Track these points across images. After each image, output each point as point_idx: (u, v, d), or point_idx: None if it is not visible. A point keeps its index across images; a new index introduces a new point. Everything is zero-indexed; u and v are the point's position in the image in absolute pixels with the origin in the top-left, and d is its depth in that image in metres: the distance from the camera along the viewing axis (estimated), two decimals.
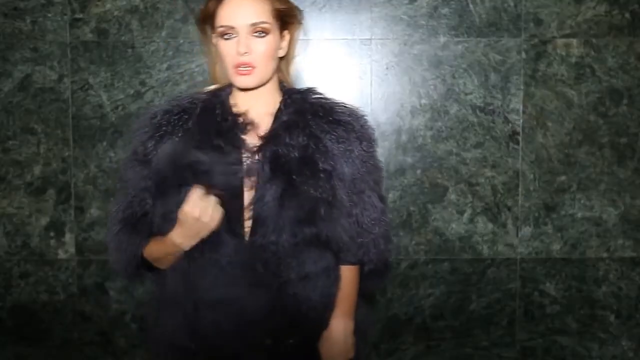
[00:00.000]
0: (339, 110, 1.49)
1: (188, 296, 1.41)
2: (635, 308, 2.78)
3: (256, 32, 1.39)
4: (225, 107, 1.45)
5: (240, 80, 1.41)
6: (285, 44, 1.48)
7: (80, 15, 2.64)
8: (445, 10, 2.66)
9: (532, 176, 2.72)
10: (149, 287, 2.70)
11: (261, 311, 1.40)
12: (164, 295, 1.48)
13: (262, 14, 1.39)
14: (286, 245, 1.39)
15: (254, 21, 1.38)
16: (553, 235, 2.74)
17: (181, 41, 2.65)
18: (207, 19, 1.45)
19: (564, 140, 2.71)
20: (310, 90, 1.53)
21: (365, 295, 1.65)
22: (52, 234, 2.71)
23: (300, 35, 1.53)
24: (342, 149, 1.45)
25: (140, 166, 1.46)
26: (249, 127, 1.44)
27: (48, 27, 2.65)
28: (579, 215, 2.74)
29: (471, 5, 2.66)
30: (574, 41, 2.67)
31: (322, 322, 1.49)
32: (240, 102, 1.47)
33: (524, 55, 2.67)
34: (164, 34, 2.65)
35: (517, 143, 2.70)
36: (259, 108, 1.47)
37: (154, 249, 1.43)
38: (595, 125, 2.71)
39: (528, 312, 2.76)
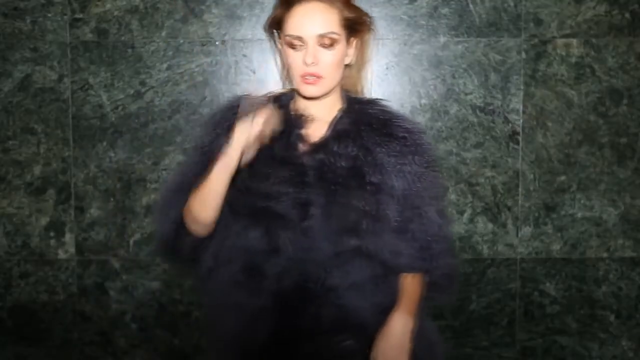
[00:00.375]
0: (395, 124, 1.47)
1: (232, 305, 1.43)
2: (635, 308, 2.79)
3: (324, 42, 1.38)
4: (286, 114, 1.44)
5: (306, 90, 1.41)
6: (352, 51, 1.46)
7: (80, 15, 2.65)
8: (445, 10, 2.66)
9: (532, 176, 2.73)
10: (149, 287, 2.72)
11: (309, 320, 1.40)
12: (211, 304, 1.49)
13: (331, 24, 1.38)
14: (328, 254, 1.39)
15: (322, 32, 1.37)
16: (553, 235, 2.75)
17: (181, 41, 2.66)
18: (274, 25, 1.44)
19: (564, 140, 2.72)
20: (372, 101, 1.51)
21: (431, 310, 1.61)
22: (52, 234, 2.72)
23: (371, 41, 1.49)
24: (393, 163, 1.44)
25: (195, 154, 1.49)
26: (305, 135, 1.44)
27: (48, 27, 2.65)
28: (579, 215, 2.75)
29: (471, 5, 2.66)
30: (574, 41, 2.68)
31: (375, 328, 1.45)
32: (302, 109, 1.47)
33: (524, 55, 2.68)
34: (163, 34, 2.66)
35: (517, 143, 2.71)
36: (319, 115, 1.47)
37: (196, 193, 1.39)
38: (595, 125, 2.72)
39: (528, 312, 2.78)
